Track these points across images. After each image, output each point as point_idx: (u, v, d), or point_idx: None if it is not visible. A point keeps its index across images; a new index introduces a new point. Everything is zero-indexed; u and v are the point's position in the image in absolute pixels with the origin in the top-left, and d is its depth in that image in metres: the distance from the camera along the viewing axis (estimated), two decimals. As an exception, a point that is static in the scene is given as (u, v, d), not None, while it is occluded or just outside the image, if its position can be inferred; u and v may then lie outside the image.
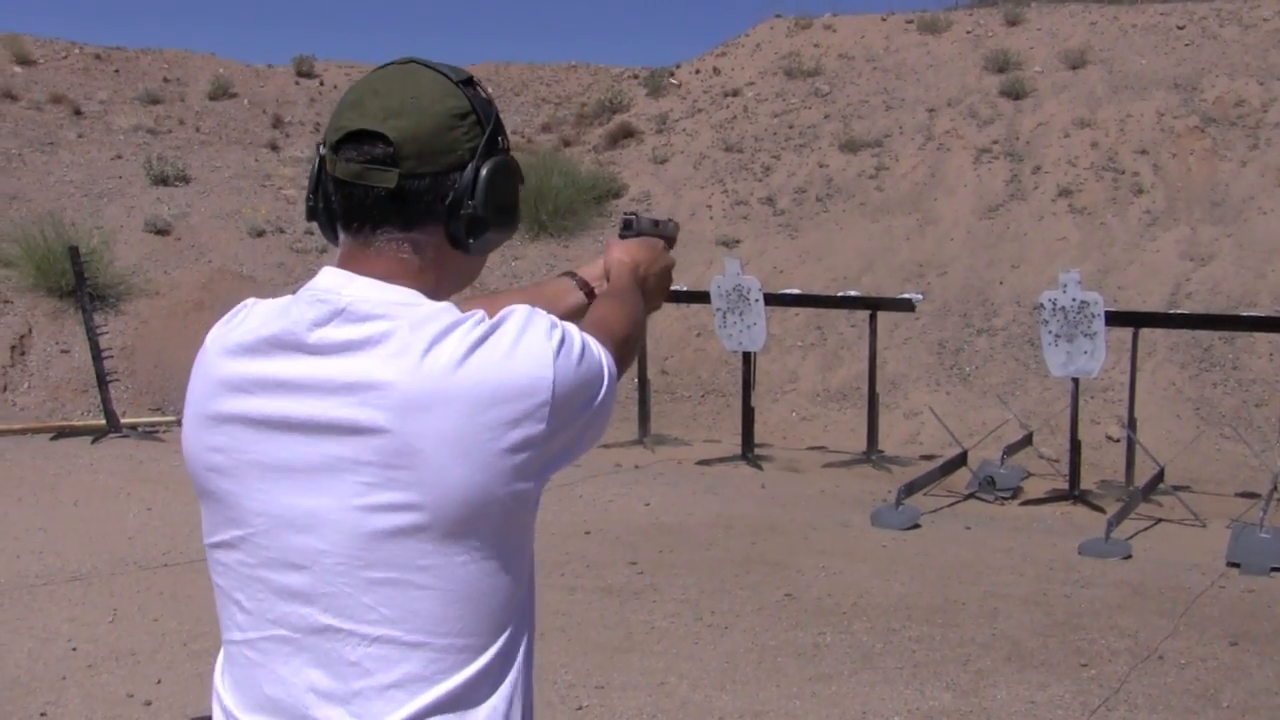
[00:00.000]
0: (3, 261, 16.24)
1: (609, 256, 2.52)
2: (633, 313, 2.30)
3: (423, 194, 1.92)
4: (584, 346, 1.92)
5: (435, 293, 1.96)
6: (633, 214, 2.65)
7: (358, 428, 1.83)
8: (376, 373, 1.83)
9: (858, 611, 8.03)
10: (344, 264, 1.96)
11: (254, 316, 2.00)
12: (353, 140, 1.93)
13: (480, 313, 1.90)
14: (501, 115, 2.09)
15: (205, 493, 2.01)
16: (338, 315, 1.89)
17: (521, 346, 1.85)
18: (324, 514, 1.86)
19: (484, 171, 1.95)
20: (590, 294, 2.49)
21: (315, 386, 1.87)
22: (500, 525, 1.88)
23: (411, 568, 1.84)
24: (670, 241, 2.71)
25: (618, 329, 2.16)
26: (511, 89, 26.81)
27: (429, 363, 1.82)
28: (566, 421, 1.88)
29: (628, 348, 2.20)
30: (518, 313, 1.90)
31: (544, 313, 1.94)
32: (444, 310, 1.89)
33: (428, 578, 1.84)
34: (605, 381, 1.96)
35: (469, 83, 2.01)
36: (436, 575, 1.85)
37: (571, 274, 2.55)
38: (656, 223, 2.70)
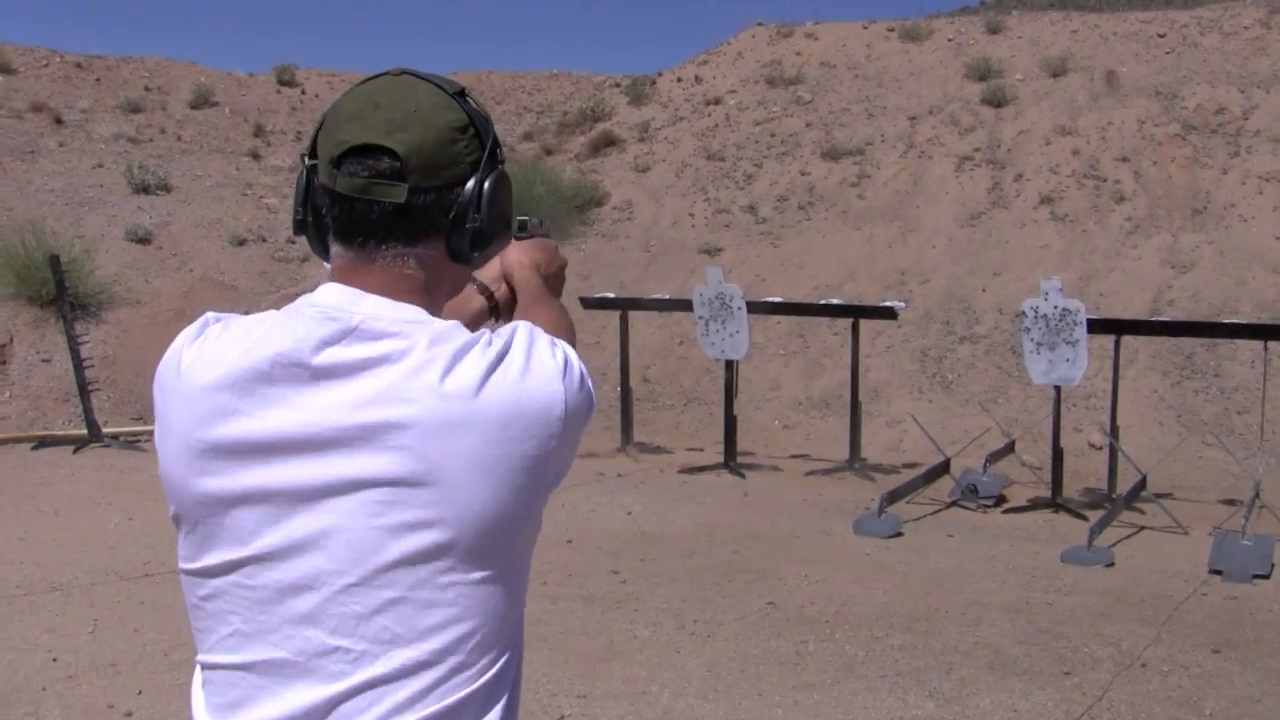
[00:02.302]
0: (-17, 270, 16.19)
1: (506, 259, 2.51)
2: (563, 315, 2.34)
3: (429, 208, 1.91)
4: (580, 364, 1.95)
5: (434, 306, 1.96)
6: (527, 215, 2.65)
7: (376, 447, 1.80)
8: (398, 391, 1.81)
9: (840, 620, 8.02)
10: (343, 279, 1.93)
11: (240, 334, 1.93)
12: (356, 154, 1.90)
13: (487, 333, 1.90)
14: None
15: (190, 520, 1.95)
16: (350, 334, 1.85)
17: (533, 369, 1.86)
18: (335, 534, 1.82)
19: (487, 186, 1.96)
20: (490, 297, 2.50)
21: (327, 408, 1.83)
22: (517, 544, 1.90)
23: (428, 586, 1.83)
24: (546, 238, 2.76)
25: (562, 335, 2.14)
26: (494, 97, 26.83)
27: (451, 383, 1.81)
28: (574, 437, 1.91)
29: None
30: (520, 332, 1.91)
31: (538, 329, 1.95)
32: (454, 328, 1.88)
33: (444, 596, 1.83)
34: (592, 396, 1.97)
35: (462, 94, 1.99)
36: (453, 594, 1.84)
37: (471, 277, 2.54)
38: (541, 220, 2.73)
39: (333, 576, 1.84)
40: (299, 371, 1.86)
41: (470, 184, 1.95)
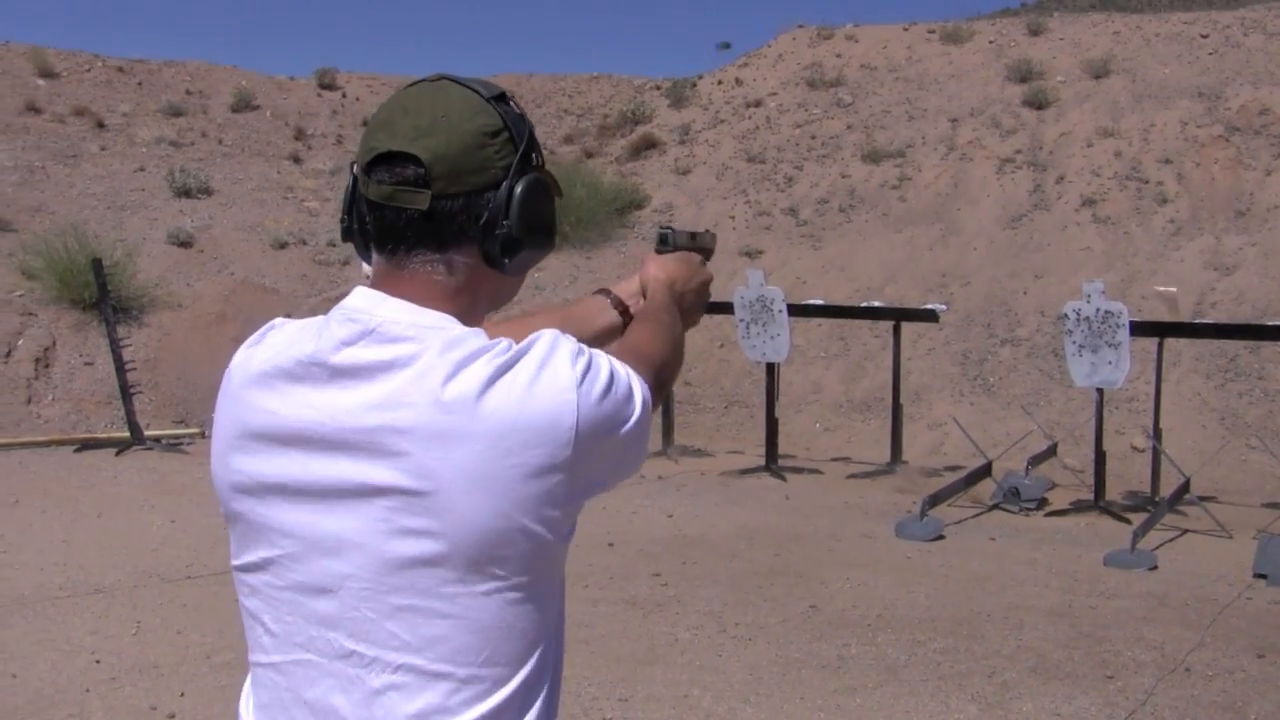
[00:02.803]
0: (27, 274, 16.31)
1: (644, 273, 2.45)
2: (670, 335, 2.26)
3: (455, 214, 1.89)
4: (611, 374, 1.88)
5: (470, 314, 1.93)
6: (668, 227, 2.57)
7: (381, 451, 1.80)
8: (401, 396, 1.80)
9: (882, 623, 7.99)
10: (378, 285, 1.93)
11: (280, 337, 1.97)
12: (384, 161, 1.90)
13: (507, 340, 1.86)
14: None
15: (233, 515, 1.97)
16: (367, 335, 1.85)
17: (544, 378, 1.81)
18: (349, 537, 1.83)
19: (518, 190, 1.92)
20: (625, 312, 2.43)
21: (337, 408, 1.83)
22: (527, 556, 1.84)
23: (433, 595, 1.81)
24: (707, 254, 2.65)
25: (654, 353, 2.11)
26: (534, 100, 26.84)
27: (450, 391, 1.78)
28: (594, 453, 1.84)
29: (666, 372, 2.15)
30: (542, 340, 1.86)
31: (569, 338, 1.89)
32: (472, 335, 1.85)
33: (450, 606, 1.82)
34: (636, 410, 1.90)
35: (501, 98, 1.96)
36: (459, 604, 1.82)
37: (606, 291, 2.49)
38: (693, 235, 2.63)
39: (348, 580, 1.84)
40: (319, 371, 1.87)
41: (501, 189, 1.92)
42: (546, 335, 1.87)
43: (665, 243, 2.54)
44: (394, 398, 1.80)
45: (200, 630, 7.75)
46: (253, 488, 1.92)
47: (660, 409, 12.38)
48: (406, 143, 1.88)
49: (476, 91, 1.95)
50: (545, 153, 2.06)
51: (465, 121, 1.91)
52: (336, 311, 1.92)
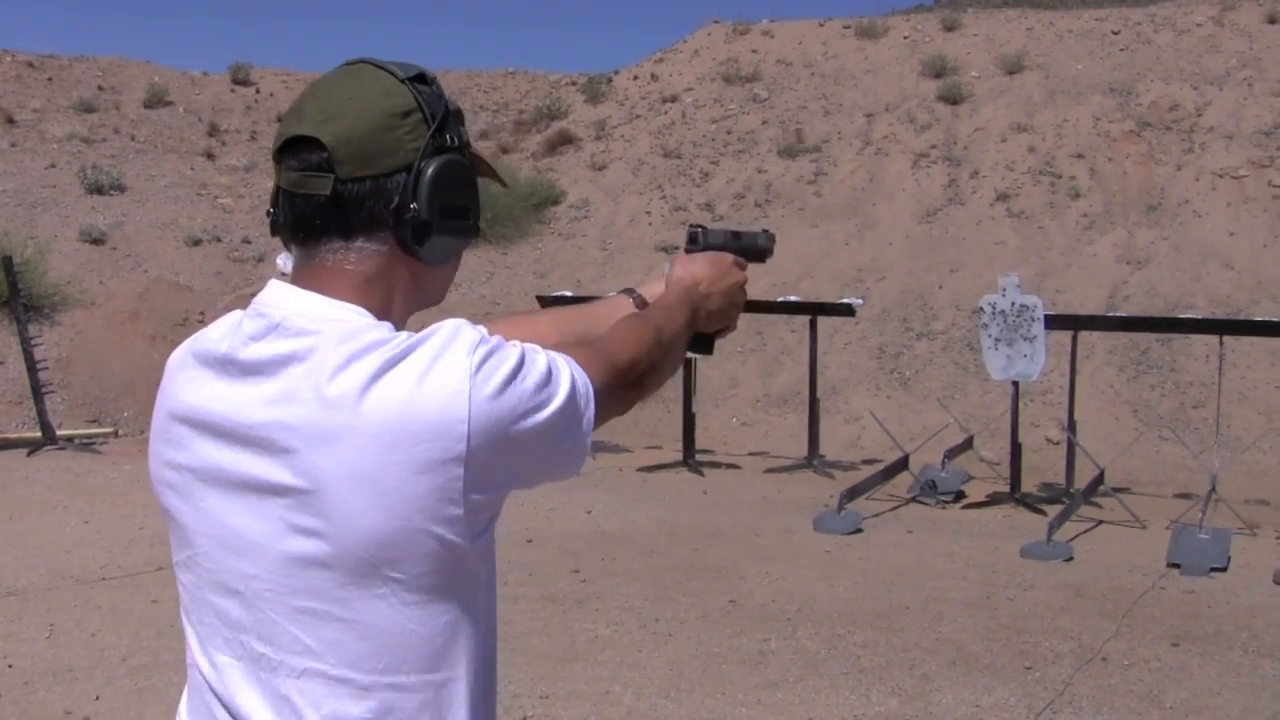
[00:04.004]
0: (-65, 272, 16.05)
1: (670, 273, 2.33)
2: (654, 334, 2.09)
3: (363, 199, 1.80)
4: (520, 363, 1.76)
5: (388, 308, 1.86)
6: (699, 226, 2.41)
7: (275, 449, 1.74)
8: (293, 392, 1.74)
9: (802, 617, 8.01)
10: (295, 278, 1.86)
11: (212, 330, 1.91)
12: (291, 148, 1.83)
13: (408, 333, 1.77)
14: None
15: (164, 511, 1.93)
16: (273, 330, 1.79)
17: (436, 369, 1.71)
18: (251, 536, 1.78)
19: (428, 171, 1.83)
20: (642, 306, 2.31)
21: (241, 403, 1.78)
22: (429, 558, 1.75)
23: (328, 598, 1.75)
24: (757, 255, 2.48)
25: (619, 350, 1.99)
26: (449, 96, 26.73)
27: (335, 386, 1.71)
28: (498, 446, 1.74)
29: (635, 372, 2.01)
30: (442, 329, 1.76)
31: (474, 327, 1.79)
32: (373, 328, 1.78)
33: (345, 610, 1.75)
34: (556, 400, 1.79)
35: (420, 79, 1.89)
36: (353, 609, 1.75)
37: (630, 290, 2.39)
38: (736, 234, 2.45)
39: (253, 580, 1.79)
40: (232, 367, 1.82)
41: (412, 171, 1.84)
42: (448, 325, 1.77)
43: (694, 242, 2.40)
44: (287, 393, 1.75)
45: (115, 632, 7.66)
46: (175, 481, 1.88)
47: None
48: (313, 126, 1.82)
49: (391, 73, 1.87)
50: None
51: (373, 102, 1.84)
52: (250, 306, 1.87)
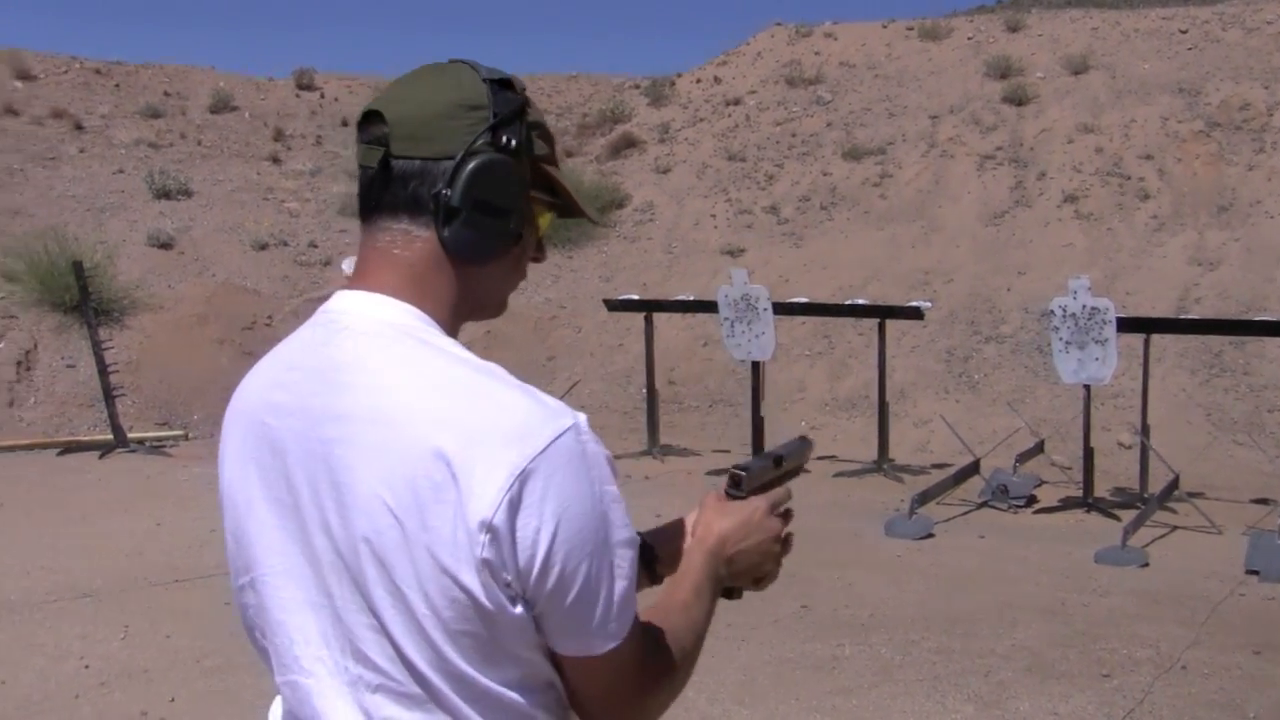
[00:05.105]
0: (7, 277, 16.20)
1: (698, 514, 2.12)
2: (691, 630, 1.96)
3: (409, 178, 1.81)
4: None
5: (439, 308, 1.85)
6: (743, 469, 2.13)
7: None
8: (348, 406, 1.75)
9: (875, 623, 7.96)
10: (356, 266, 1.89)
11: (284, 347, 1.92)
12: (364, 122, 1.86)
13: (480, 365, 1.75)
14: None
15: (225, 530, 1.94)
16: (340, 334, 1.81)
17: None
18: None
19: (471, 163, 1.81)
20: (651, 556, 2.16)
21: (308, 415, 1.79)
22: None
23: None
24: (795, 471, 2.22)
25: (670, 667, 1.89)
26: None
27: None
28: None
29: (667, 679, 1.90)
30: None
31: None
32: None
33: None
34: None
35: (504, 83, 1.89)
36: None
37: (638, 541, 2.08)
38: (778, 459, 2.18)
39: (332, 597, 1.79)
40: (299, 377, 1.83)
41: (456, 159, 1.83)
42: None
43: (738, 487, 2.10)
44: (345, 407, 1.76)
45: (189, 634, 7.69)
46: (240, 499, 1.89)
47: (645, 409, 12.29)
48: (383, 104, 1.85)
49: (475, 70, 1.89)
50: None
51: (444, 91, 1.85)
52: (316, 314, 1.89)
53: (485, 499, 1.62)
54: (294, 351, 1.88)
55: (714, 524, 2.07)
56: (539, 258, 2.00)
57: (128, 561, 9.37)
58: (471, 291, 1.89)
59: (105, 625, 7.91)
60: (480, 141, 1.83)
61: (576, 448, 1.68)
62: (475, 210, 1.82)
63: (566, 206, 2.00)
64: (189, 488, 11.65)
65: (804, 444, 2.28)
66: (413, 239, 1.83)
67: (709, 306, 13.14)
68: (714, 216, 19.20)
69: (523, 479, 1.63)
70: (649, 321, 13.77)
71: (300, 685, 1.83)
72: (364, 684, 1.76)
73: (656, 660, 1.86)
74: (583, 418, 1.72)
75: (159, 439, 13.99)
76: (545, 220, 1.96)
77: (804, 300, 14.15)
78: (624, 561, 1.73)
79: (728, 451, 13.65)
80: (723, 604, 2.10)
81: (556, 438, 1.66)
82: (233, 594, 1.95)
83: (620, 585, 1.72)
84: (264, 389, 1.89)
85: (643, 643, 1.81)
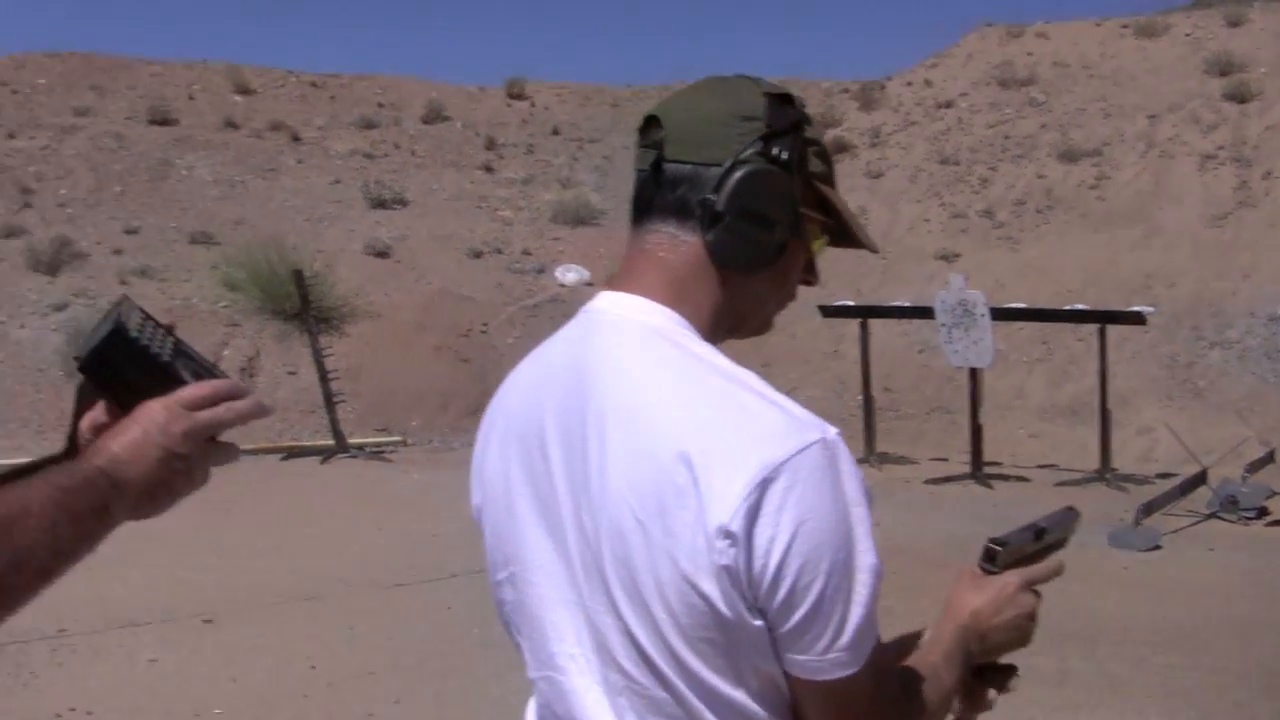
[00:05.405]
0: (230, 286, 16.64)
1: (951, 591, 2.02)
2: (933, 693, 1.87)
3: (679, 182, 1.80)
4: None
5: (699, 315, 1.82)
6: (1000, 543, 2.01)
7: None
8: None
9: (1102, 636, 7.78)
10: (620, 266, 1.88)
11: (546, 344, 1.94)
12: (645, 127, 1.87)
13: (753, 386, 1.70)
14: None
15: (482, 525, 1.97)
16: (597, 334, 1.82)
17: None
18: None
19: (740, 170, 1.79)
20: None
21: (565, 413, 1.79)
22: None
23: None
24: (1059, 544, 2.08)
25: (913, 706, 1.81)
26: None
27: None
28: None
29: None
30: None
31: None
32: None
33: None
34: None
35: (783, 98, 1.86)
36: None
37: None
38: (1039, 532, 2.05)
39: (582, 596, 1.80)
40: (564, 374, 1.84)
41: (725, 166, 1.80)
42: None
43: (992, 562, 2.00)
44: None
45: (411, 637, 7.81)
46: (499, 495, 1.91)
47: (862, 416, 12.19)
48: (662, 109, 1.86)
49: (757, 83, 1.88)
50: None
51: (722, 100, 1.85)
52: (580, 312, 1.89)
53: (725, 505, 1.59)
54: (555, 349, 1.89)
55: (966, 599, 1.98)
56: (810, 280, 1.95)
57: (351, 565, 9.55)
58: (733, 302, 1.86)
59: (330, 627, 8.06)
60: (751, 151, 1.80)
61: (823, 461, 1.62)
62: (739, 217, 1.80)
63: (841, 231, 1.95)
64: (409, 493, 11.84)
65: (1070, 515, 2.11)
66: (678, 243, 1.82)
67: (925, 312, 12.98)
68: (927, 221, 19.01)
69: (762, 487, 1.59)
70: (864, 328, 13.65)
71: (556, 681, 1.84)
72: (613, 685, 1.75)
73: (897, 705, 1.78)
74: (834, 432, 1.66)
75: (378, 445, 14.25)
76: (818, 243, 1.92)
77: (1022, 305, 13.93)
78: (864, 588, 1.65)
79: (945, 460, 13.48)
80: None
81: (802, 449, 1.61)
82: (490, 589, 1.96)
83: (857, 611, 1.65)
84: (526, 385, 1.91)
85: (880, 682, 1.73)
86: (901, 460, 13.52)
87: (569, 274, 17.79)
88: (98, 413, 1.74)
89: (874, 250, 2.02)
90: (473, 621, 7.97)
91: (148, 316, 1.75)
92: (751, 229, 1.81)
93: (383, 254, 18.55)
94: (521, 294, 17.70)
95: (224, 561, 9.64)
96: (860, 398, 13.65)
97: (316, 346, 14.09)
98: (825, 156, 1.91)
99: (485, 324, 16.76)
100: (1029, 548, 2.04)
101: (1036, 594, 2.03)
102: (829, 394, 15.70)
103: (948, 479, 12.58)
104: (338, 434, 13.76)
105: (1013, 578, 2.00)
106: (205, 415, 1.67)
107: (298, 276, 14.49)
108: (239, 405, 1.70)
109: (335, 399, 13.96)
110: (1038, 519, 2.05)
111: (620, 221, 21.02)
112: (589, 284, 17.67)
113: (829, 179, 1.93)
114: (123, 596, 8.51)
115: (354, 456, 13.69)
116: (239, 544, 10.15)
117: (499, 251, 19.04)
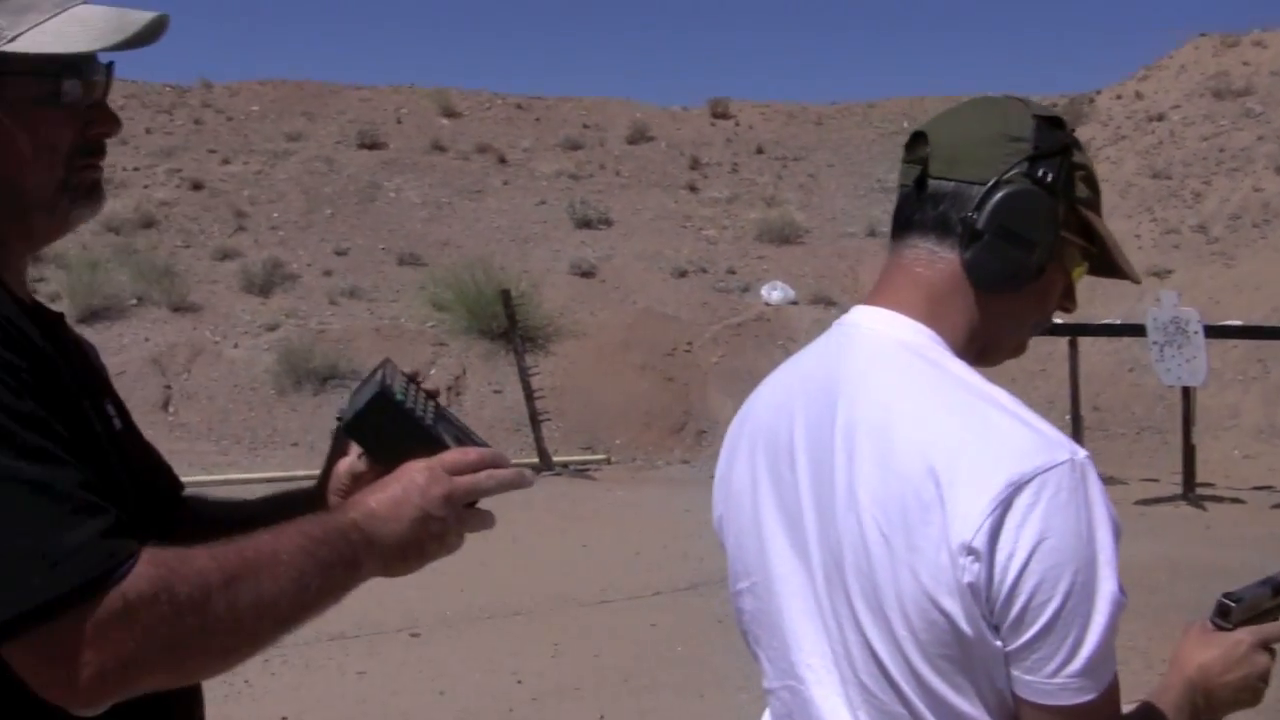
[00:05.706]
0: (438, 305, 16.94)
1: (1178, 645, 1.96)
2: None
3: (940, 198, 1.81)
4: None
5: (954, 335, 1.82)
6: (1234, 599, 1.92)
7: None
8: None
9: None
10: (878, 279, 1.89)
11: (798, 355, 1.97)
12: (912, 143, 1.88)
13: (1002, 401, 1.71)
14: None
15: (724, 535, 2.00)
16: (850, 348, 1.83)
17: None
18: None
19: (1001, 191, 1.78)
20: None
21: (815, 425, 1.81)
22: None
23: None
24: None
25: None
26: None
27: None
28: None
29: None
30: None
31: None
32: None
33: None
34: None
35: (1053, 121, 1.85)
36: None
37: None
38: (1278, 587, 1.95)
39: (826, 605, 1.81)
40: (815, 389, 1.85)
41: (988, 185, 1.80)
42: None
43: (1225, 618, 1.91)
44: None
45: (616, 654, 7.84)
46: (747, 508, 1.93)
47: (1072, 437, 12.05)
48: (929, 126, 1.88)
49: (1026, 105, 1.87)
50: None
51: (991, 121, 1.84)
52: (834, 326, 1.91)
53: (969, 522, 1.58)
54: (808, 362, 1.92)
55: (1194, 654, 1.92)
56: (1068, 306, 1.91)
57: (556, 581, 9.63)
58: (988, 322, 1.85)
59: (536, 642, 8.14)
60: (1015, 171, 1.80)
61: (1069, 482, 1.60)
62: (999, 237, 1.79)
63: (1103, 259, 1.92)
64: (613, 511, 11.91)
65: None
66: (936, 259, 1.83)
67: (1136, 330, 12.71)
68: (1138, 236, 18.61)
69: (1005, 504, 1.58)
70: (1073, 346, 13.40)
71: (799, 691, 1.85)
72: (852, 699, 1.76)
73: None
74: (1084, 454, 1.64)
75: (583, 463, 14.35)
76: (1079, 270, 1.88)
77: (1237, 323, 13.57)
78: (1102, 615, 1.62)
79: (1156, 480, 13.17)
80: (1154, 640, 1.92)
81: (1047, 468, 1.60)
82: (731, 598, 1.99)
83: (1094, 638, 1.62)
84: (775, 397, 1.94)
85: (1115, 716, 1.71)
86: (1111, 480, 13.22)
87: (774, 292, 17.76)
88: (355, 460, 1.84)
89: (1136, 281, 1.99)
90: (676, 639, 7.99)
91: (411, 379, 1.84)
92: (1010, 249, 1.80)
93: (588, 274, 18.72)
94: (726, 313, 17.71)
95: (433, 578, 9.69)
96: (1068, 417, 13.40)
97: (522, 365, 14.26)
98: (1093, 183, 1.89)
99: (690, 343, 16.81)
100: (1266, 603, 1.95)
101: (1272, 653, 1.95)
102: (1037, 413, 15.45)
103: (1158, 500, 12.29)
104: (542, 452, 13.90)
105: (1246, 635, 1.93)
106: (466, 481, 1.73)
107: (504, 296, 14.68)
108: (500, 474, 1.76)
109: (540, 417, 14.10)
110: (1275, 573, 1.97)
111: (824, 239, 20.98)
112: (794, 302, 17.64)
113: (1095, 205, 1.90)
114: (333, 610, 8.68)
115: (558, 474, 13.81)
116: (446, 560, 10.25)
117: (704, 271, 19.08)
